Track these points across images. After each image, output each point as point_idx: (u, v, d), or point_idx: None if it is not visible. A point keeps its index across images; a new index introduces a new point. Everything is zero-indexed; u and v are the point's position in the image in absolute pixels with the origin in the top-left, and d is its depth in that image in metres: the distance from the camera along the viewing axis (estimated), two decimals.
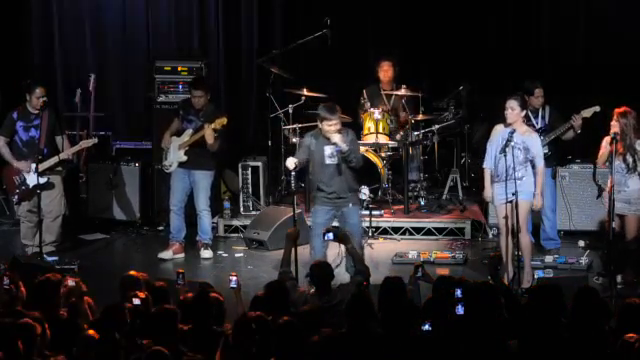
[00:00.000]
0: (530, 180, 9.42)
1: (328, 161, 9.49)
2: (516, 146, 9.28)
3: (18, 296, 7.32)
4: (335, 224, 9.56)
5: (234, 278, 7.68)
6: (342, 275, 9.10)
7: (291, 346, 6.06)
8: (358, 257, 8.53)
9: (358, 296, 6.82)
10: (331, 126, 9.37)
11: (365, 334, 6.43)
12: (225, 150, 11.38)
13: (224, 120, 10.70)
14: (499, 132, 9.49)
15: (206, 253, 11.09)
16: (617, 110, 9.52)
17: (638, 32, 12.35)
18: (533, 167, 9.43)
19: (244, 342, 6.18)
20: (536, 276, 9.42)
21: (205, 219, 11.04)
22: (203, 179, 10.94)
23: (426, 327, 6.14)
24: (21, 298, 7.32)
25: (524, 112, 9.48)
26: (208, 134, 10.66)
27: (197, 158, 10.85)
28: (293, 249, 8.67)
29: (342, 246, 8.86)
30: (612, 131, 9.39)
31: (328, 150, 9.46)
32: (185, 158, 10.87)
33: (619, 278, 9.46)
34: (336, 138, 9.36)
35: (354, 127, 12.28)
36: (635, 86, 11.82)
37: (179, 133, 10.97)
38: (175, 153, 10.93)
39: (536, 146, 9.46)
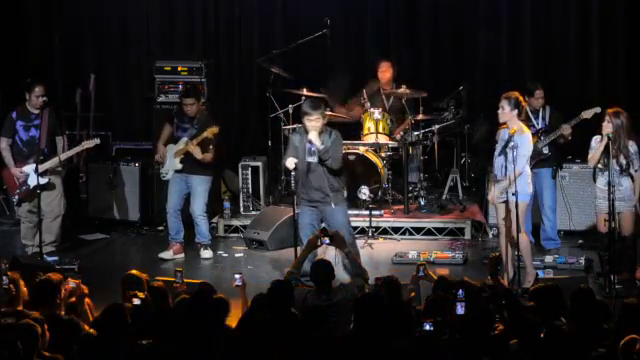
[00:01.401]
0: (524, 180, 9.42)
1: (309, 159, 9.49)
2: (512, 144, 9.29)
3: (19, 296, 7.31)
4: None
5: (239, 276, 7.69)
6: (341, 275, 9.09)
7: (297, 343, 6.06)
8: (355, 260, 8.55)
9: (369, 296, 6.81)
10: (311, 122, 9.39)
11: (373, 334, 6.43)
12: (222, 156, 11.38)
13: (215, 129, 10.68)
14: (500, 135, 9.52)
15: (206, 253, 11.09)
16: (609, 110, 9.52)
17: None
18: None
19: (249, 340, 6.18)
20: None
21: (202, 225, 11.03)
22: (200, 185, 10.92)
23: (427, 327, 6.14)
24: (22, 298, 7.32)
25: (515, 111, 9.44)
26: (194, 151, 10.67)
27: (194, 164, 10.83)
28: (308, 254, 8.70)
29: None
30: (606, 131, 9.38)
31: (310, 148, 9.46)
32: (181, 166, 10.84)
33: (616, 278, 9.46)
34: (311, 135, 9.36)
35: (355, 126, 12.36)
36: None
37: (174, 140, 10.96)
38: (171, 161, 10.89)
39: (523, 145, 9.39)
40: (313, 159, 9.48)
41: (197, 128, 10.80)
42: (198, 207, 10.94)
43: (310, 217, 9.58)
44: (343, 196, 9.85)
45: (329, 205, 9.52)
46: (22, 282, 7.41)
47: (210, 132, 10.67)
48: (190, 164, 10.84)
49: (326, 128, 9.55)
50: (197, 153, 10.71)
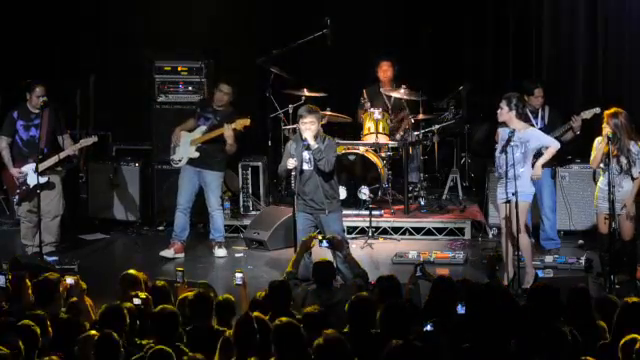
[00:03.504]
0: (527, 179, 9.42)
1: (305, 166, 9.58)
2: (513, 144, 9.31)
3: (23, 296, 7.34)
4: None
5: (240, 275, 7.69)
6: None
7: (292, 346, 6.05)
8: (355, 262, 8.57)
9: (361, 298, 6.81)
10: (305, 124, 9.52)
11: (367, 335, 6.43)
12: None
13: (247, 121, 10.72)
14: (501, 134, 9.53)
15: (220, 252, 11.11)
16: (607, 112, 9.51)
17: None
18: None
19: (245, 341, 6.18)
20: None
21: (218, 218, 11.06)
22: (214, 180, 10.96)
23: (428, 327, 6.13)
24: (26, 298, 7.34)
25: (513, 112, 9.45)
26: (228, 135, 10.69)
27: (208, 158, 10.87)
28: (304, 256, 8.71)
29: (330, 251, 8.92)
30: (605, 132, 9.38)
31: (306, 155, 9.53)
32: (197, 154, 10.87)
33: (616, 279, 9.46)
34: (306, 134, 9.47)
35: (354, 127, 12.37)
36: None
37: (191, 130, 10.98)
38: (186, 148, 10.92)
39: (537, 137, 9.46)
40: (309, 166, 9.56)
41: (219, 121, 10.81)
42: (214, 201, 10.99)
43: (304, 223, 9.65)
44: (338, 203, 9.88)
45: (323, 212, 9.57)
46: (27, 282, 7.44)
47: (241, 124, 10.67)
48: (205, 157, 10.87)
49: (322, 135, 9.64)
50: (230, 136, 10.68)
